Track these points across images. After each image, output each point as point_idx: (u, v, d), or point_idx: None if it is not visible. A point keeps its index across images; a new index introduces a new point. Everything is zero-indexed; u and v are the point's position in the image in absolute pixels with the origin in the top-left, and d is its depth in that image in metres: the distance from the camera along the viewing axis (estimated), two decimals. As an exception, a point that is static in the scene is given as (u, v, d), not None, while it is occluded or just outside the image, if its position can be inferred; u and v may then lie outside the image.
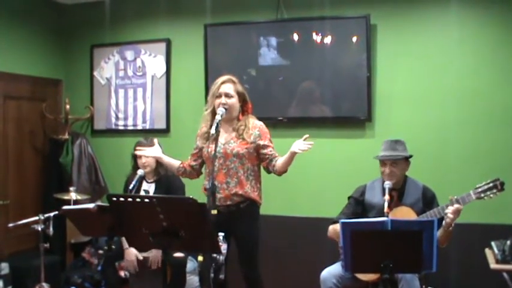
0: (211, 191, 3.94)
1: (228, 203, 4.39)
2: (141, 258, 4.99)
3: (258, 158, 4.50)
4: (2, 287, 5.86)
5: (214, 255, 3.63)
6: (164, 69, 6.68)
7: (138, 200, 3.46)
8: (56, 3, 7.06)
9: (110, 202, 3.51)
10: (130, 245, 4.53)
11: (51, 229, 5.16)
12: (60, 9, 7.13)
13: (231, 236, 4.30)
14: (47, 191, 6.67)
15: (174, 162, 4.60)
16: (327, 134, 6.04)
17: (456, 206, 4.04)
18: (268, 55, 6.14)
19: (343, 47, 5.93)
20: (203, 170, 4.69)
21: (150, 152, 4.68)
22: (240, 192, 4.38)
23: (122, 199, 3.49)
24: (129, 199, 3.50)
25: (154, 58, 6.73)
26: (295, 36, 6.04)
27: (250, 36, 6.22)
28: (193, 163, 4.65)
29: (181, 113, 6.51)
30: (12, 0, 6.44)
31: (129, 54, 6.88)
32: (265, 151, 4.44)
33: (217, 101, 4.40)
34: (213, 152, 4.17)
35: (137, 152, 4.83)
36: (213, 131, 4.12)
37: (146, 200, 3.41)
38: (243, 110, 4.54)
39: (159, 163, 5.10)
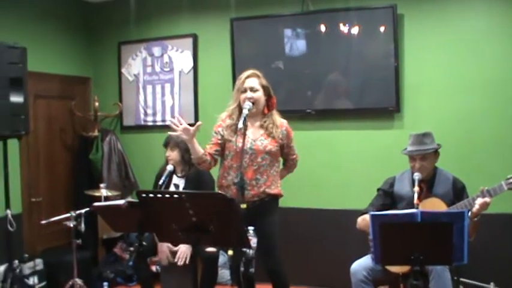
0: (241, 185, 3.94)
1: (255, 198, 4.39)
2: (174, 249, 5.01)
3: (280, 154, 4.57)
4: (36, 282, 5.93)
5: (244, 249, 3.63)
6: (191, 64, 6.70)
7: (167, 196, 3.47)
8: (83, 2, 7.12)
9: (140, 198, 3.53)
10: (160, 241, 4.55)
11: (82, 225, 5.19)
12: (87, 8, 7.20)
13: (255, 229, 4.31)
14: (78, 187, 6.74)
15: (199, 150, 4.54)
16: (355, 125, 6.03)
17: (485, 199, 3.99)
18: (295, 47, 6.13)
19: (370, 38, 5.89)
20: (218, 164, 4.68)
21: (183, 128, 4.37)
22: (268, 190, 4.41)
23: (151, 195, 3.51)
24: (159, 195, 3.51)
25: (181, 53, 6.75)
26: (322, 28, 6.02)
27: (276, 29, 6.21)
28: (214, 152, 4.53)
29: (209, 108, 6.52)
30: (41, 1, 6.50)
31: (157, 50, 6.91)
32: (287, 153, 4.57)
33: (243, 95, 4.40)
34: (244, 147, 4.16)
35: (170, 124, 4.64)
36: (240, 124, 4.09)
37: (175, 195, 3.43)
38: (268, 105, 4.54)
39: (184, 159, 5.13)
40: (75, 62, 7.08)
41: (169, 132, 4.50)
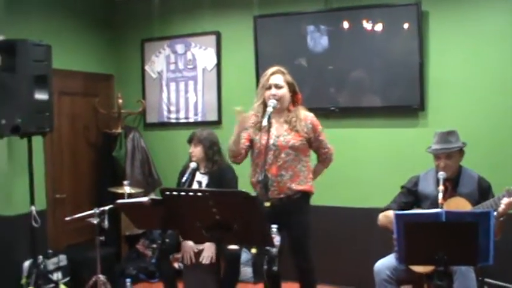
0: (264, 183, 3.94)
1: (281, 196, 4.37)
2: (196, 250, 5.00)
3: (309, 149, 4.49)
4: (60, 278, 5.96)
5: (267, 247, 3.62)
6: (215, 61, 6.70)
7: (190, 194, 3.47)
8: (106, 0, 7.15)
9: (163, 196, 3.53)
10: (184, 238, 4.55)
11: (106, 222, 5.21)
12: (111, 6, 7.23)
13: (283, 228, 4.27)
14: (101, 184, 6.76)
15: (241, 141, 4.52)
16: (379, 123, 5.99)
17: (511, 198, 3.94)
18: (318, 45, 6.11)
19: (393, 35, 5.85)
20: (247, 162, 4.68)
21: (245, 119, 4.39)
22: (294, 185, 4.37)
23: (175, 193, 3.51)
24: (182, 193, 3.51)
25: (204, 51, 6.76)
26: (345, 25, 5.99)
27: (299, 26, 6.18)
28: (247, 147, 4.56)
29: (232, 105, 6.45)
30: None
31: (180, 48, 6.92)
32: (317, 146, 4.51)
33: (268, 92, 4.39)
34: (267, 144, 4.17)
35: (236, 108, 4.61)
36: (264, 122, 4.09)
37: (199, 193, 3.43)
38: (293, 101, 4.51)
39: (207, 156, 5.13)
40: (99, 60, 7.10)
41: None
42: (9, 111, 5.10)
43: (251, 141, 4.54)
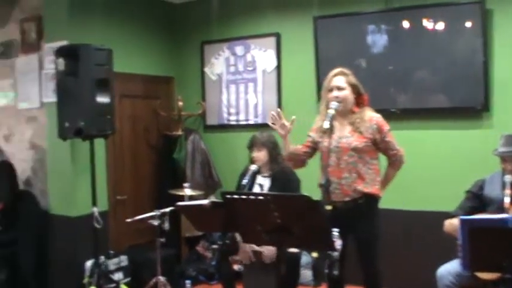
0: (326, 187, 3.90)
1: (346, 199, 4.27)
2: (256, 249, 4.99)
3: (377, 151, 4.41)
4: (121, 278, 6.03)
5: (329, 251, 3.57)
6: (275, 63, 6.67)
7: (252, 197, 3.45)
8: (166, 3, 7.21)
9: (224, 199, 3.53)
10: (244, 241, 4.53)
11: (166, 224, 5.25)
12: (170, 9, 7.27)
13: (349, 232, 4.21)
14: (162, 186, 6.81)
15: (289, 146, 4.49)
16: (441, 125, 5.85)
17: None
18: (378, 45, 6.01)
19: (456, 33, 5.68)
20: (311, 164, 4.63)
21: (279, 125, 4.43)
22: (359, 187, 4.26)
23: (235, 196, 3.50)
24: (243, 196, 3.50)
25: (264, 52, 6.73)
26: (405, 24, 5.87)
27: (359, 26, 6.10)
28: (303, 153, 4.55)
29: (292, 107, 6.45)
30: (124, 2, 6.62)
31: (239, 50, 6.92)
32: (385, 148, 4.38)
33: (330, 95, 4.33)
34: (330, 146, 4.13)
35: (270, 115, 4.62)
36: (325, 125, 4.05)
37: (260, 197, 3.41)
38: (358, 103, 4.43)
39: (271, 158, 5.10)
40: (159, 62, 7.16)
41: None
42: (72, 114, 5.20)
43: (313, 147, 4.50)
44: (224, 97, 7.04)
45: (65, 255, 6.00)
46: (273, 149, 5.10)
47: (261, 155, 5.09)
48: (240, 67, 6.92)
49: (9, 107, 6.73)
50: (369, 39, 6.05)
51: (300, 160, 4.58)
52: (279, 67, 6.68)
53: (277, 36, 6.67)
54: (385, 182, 4.51)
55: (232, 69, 6.98)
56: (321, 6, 6.34)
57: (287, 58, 6.65)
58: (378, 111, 4.54)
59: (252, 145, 5.16)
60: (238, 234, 4.48)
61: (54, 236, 6.16)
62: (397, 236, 5.94)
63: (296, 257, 5.04)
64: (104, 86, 5.26)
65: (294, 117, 4.37)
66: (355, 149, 4.27)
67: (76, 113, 5.17)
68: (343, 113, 4.35)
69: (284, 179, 5.05)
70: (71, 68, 5.23)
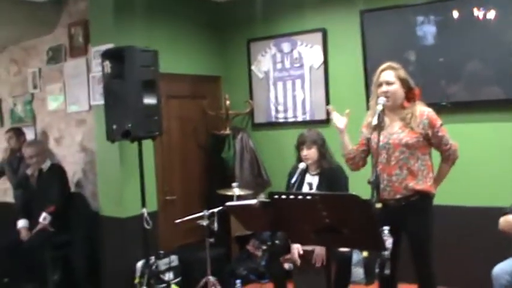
0: (376, 184, 3.81)
1: (398, 196, 4.18)
2: (301, 252, 4.95)
3: (430, 147, 4.29)
4: (172, 278, 6.07)
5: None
6: (321, 59, 6.58)
7: (299, 197, 3.41)
8: (211, 2, 7.19)
9: (272, 200, 3.49)
10: (293, 241, 4.49)
11: (216, 225, 5.24)
12: (215, 8, 7.26)
13: (401, 230, 4.14)
14: (211, 186, 6.81)
15: (348, 143, 4.45)
16: (496, 117, 5.67)
17: None
18: (428, 36, 5.86)
19: (508, 22, 5.51)
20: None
21: (337, 120, 4.41)
22: (411, 184, 4.15)
23: (283, 197, 3.46)
24: (291, 197, 3.45)
25: (311, 49, 6.66)
26: (455, 14, 5.71)
27: (407, 18, 5.95)
28: (361, 153, 4.46)
29: (341, 103, 6.31)
30: (168, 3, 6.62)
31: (286, 46, 6.86)
32: (437, 143, 4.25)
33: (379, 90, 4.24)
34: (380, 143, 4.06)
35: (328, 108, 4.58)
36: (374, 121, 3.98)
37: (308, 197, 3.36)
38: (408, 97, 4.32)
39: (321, 155, 5.05)
40: (205, 62, 7.16)
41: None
42: (119, 116, 5.22)
43: (368, 145, 4.40)
44: (272, 95, 6.99)
45: (115, 256, 6.06)
46: (322, 146, 5.08)
47: (311, 152, 5.04)
48: (287, 64, 6.85)
49: (60, 110, 6.83)
50: (418, 31, 5.91)
51: (360, 159, 4.48)
52: (326, 63, 6.59)
53: (324, 31, 6.59)
54: (438, 178, 4.38)
55: (279, 66, 6.93)
56: (367, 0, 6.23)
57: (334, 53, 6.56)
58: (428, 105, 4.41)
59: (301, 143, 5.11)
60: (287, 234, 4.43)
61: (105, 237, 6.23)
62: (451, 233, 5.80)
63: (347, 256, 4.98)
64: (151, 88, 5.28)
65: (348, 110, 4.30)
66: (406, 145, 4.17)
67: (123, 115, 5.19)
68: (393, 108, 4.25)
69: (332, 176, 5.02)
70: (117, 70, 5.26)
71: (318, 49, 6.61)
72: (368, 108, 4.54)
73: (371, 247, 3.52)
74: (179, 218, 5.40)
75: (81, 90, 6.46)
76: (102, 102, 5.65)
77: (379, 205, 3.71)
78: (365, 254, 3.87)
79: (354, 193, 3.25)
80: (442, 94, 5.82)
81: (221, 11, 7.29)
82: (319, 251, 4.85)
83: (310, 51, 6.67)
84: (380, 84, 4.25)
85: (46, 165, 6.38)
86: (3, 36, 7.15)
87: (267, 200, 3.83)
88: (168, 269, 6.11)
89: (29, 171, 6.44)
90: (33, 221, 6.19)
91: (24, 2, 6.44)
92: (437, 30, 5.82)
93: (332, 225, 3.32)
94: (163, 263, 6.03)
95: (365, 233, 3.31)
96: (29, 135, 7.26)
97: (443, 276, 4.93)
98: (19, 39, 7.39)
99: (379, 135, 4.04)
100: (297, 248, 4.95)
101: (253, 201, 4.29)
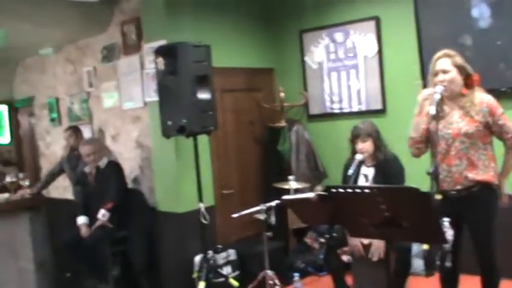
0: (435, 175, 3.73)
1: (458, 187, 4.08)
2: (365, 242, 4.90)
3: (491, 136, 4.16)
4: (230, 272, 6.10)
5: (440, 243, 3.44)
6: (376, 48, 6.46)
7: (357, 190, 3.36)
8: (261, -6, 7.17)
9: (329, 194, 3.45)
10: (351, 235, 4.44)
11: (273, 218, 5.22)
12: (266, -1, 7.24)
13: (462, 222, 4.06)
14: (267, 179, 6.79)
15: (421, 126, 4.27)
16: None
17: None
18: (484, 19, 5.67)
19: None
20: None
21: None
22: (471, 175, 4.05)
23: (340, 190, 3.42)
24: (349, 190, 3.41)
25: (364, 38, 6.55)
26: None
27: (462, 1, 5.81)
28: (424, 139, 4.28)
29: (396, 92, 6.27)
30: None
31: (339, 36, 6.77)
32: (499, 132, 4.10)
33: (436, 79, 4.14)
34: (439, 133, 3.98)
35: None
36: (432, 111, 3.89)
37: (366, 190, 3.31)
38: (467, 84, 4.19)
39: (377, 147, 4.98)
40: (258, 54, 7.14)
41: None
42: (174, 112, 5.26)
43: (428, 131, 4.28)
44: (326, 85, 6.91)
45: (174, 251, 6.11)
46: (378, 139, 5.01)
47: (366, 145, 4.97)
48: (341, 54, 6.76)
49: (115, 107, 6.91)
50: (474, 13, 5.72)
51: (425, 145, 4.30)
52: (380, 52, 6.46)
53: (377, 19, 6.46)
54: (505, 169, 4.23)
55: (332, 56, 6.84)
56: (422, -14, 6.09)
57: (388, 42, 6.42)
58: (488, 91, 4.28)
59: (355, 137, 5.04)
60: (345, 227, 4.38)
61: (163, 233, 6.29)
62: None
63: (407, 247, 4.92)
64: (204, 82, 5.30)
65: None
66: (466, 135, 4.06)
67: (178, 111, 5.23)
68: (452, 96, 4.14)
69: (389, 168, 4.95)
70: (171, 66, 5.30)
71: (372, 38, 6.49)
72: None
73: (431, 240, 3.44)
74: (236, 212, 5.39)
75: (136, 87, 6.51)
76: (156, 98, 5.68)
77: (438, 196, 3.64)
78: (425, 246, 3.78)
79: (413, 185, 3.18)
80: (501, 79, 5.63)
81: (272, 2, 7.25)
82: (377, 244, 4.80)
83: (363, 40, 6.56)
84: (436, 73, 4.14)
85: (103, 162, 6.45)
86: (58, 36, 7.28)
87: (325, 193, 3.78)
88: (226, 263, 6.14)
89: (86, 169, 6.53)
90: (92, 218, 6.27)
91: (77, 2, 6.51)
92: (492, 12, 5.64)
93: (391, 218, 3.29)
94: (221, 257, 6.06)
95: (425, 225, 3.26)
96: (86, 133, 7.37)
97: (508, 268, 4.81)
98: (74, 39, 7.51)
99: (437, 124, 3.95)
100: (358, 240, 4.90)
101: (310, 195, 4.27)
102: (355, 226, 3.62)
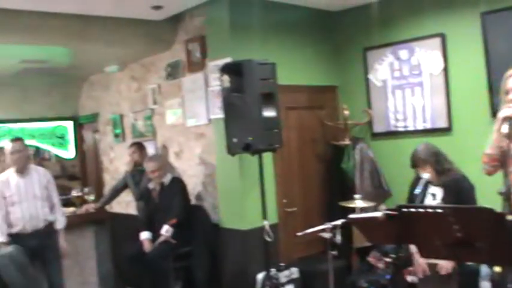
0: (507, 195, 3.64)
1: None
2: (430, 261, 4.81)
3: None
4: (292, 291, 6.07)
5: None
6: (441, 65, 6.37)
7: (430, 210, 3.30)
8: (324, 12, 7.15)
9: (401, 213, 3.40)
10: (422, 255, 4.35)
11: (338, 237, 5.17)
12: (329, 17, 7.22)
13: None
14: (331, 197, 6.77)
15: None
16: None
17: None
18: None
19: None
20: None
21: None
22: None
23: (412, 210, 3.37)
24: (420, 210, 3.35)
25: (429, 55, 6.46)
26: None
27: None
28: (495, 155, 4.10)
29: (462, 110, 6.15)
30: (283, 15, 6.63)
31: (403, 54, 6.70)
32: None
33: (507, 97, 4.02)
34: (511, 152, 3.86)
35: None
36: (504, 129, 3.79)
37: (439, 210, 3.25)
38: None
39: (437, 172, 4.90)
40: (322, 72, 7.12)
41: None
42: (240, 129, 5.27)
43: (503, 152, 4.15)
44: (390, 103, 6.84)
45: (236, 268, 6.12)
46: (436, 162, 4.93)
47: (427, 172, 4.90)
48: (405, 71, 6.69)
49: (179, 124, 6.97)
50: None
51: (500, 163, 4.08)
52: (446, 69, 6.37)
53: (443, 36, 6.37)
54: None
55: (397, 74, 6.77)
56: (488, 1, 5.98)
57: (454, 59, 6.32)
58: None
59: (414, 166, 5.04)
60: (415, 247, 4.31)
61: (225, 249, 6.30)
62: None
63: (475, 268, 4.82)
64: (270, 100, 5.30)
65: None
66: None
67: (243, 128, 5.24)
68: None
69: (457, 187, 4.87)
70: (236, 84, 5.32)
71: (438, 55, 6.40)
72: (493, 115, 4.31)
73: (506, 262, 3.35)
74: (299, 230, 5.36)
75: (200, 104, 6.57)
76: (221, 115, 5.71)
77: (510, 217, 3.54)
78: (497, 269, 3.68)
79: (488, 206, 3.10)
80: None
81: (336, 20, 7.24)
82: (444, 264, 4.73)
83: (429, 57, 6.47)
84: (508, 92, 4.02)
85: (167, 179, 6.52)
86: (124, 54, 7.41)
87: (392, 213, 3.73)
88: (289, 282, 6.12)
89: (151, 185, 6.61)
90: (155, 233, 6.34)
91: (143, 21, 6.65)
92: None
93: (464, 239, 3.20)
94: (283, 275, 6.03)
95: (500, 247, 3.16)
96: (150, 149, 7.46)
97: None
98: (139, 57, 7.63)
99: (509, 143, 3.85)
100: (424, 259, 4.82)
101: (377, 214, 4.20)
102: (427, 246, 3.55)
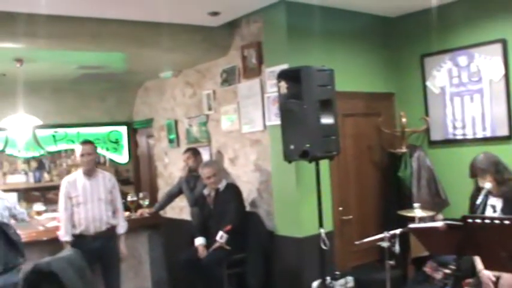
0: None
1: None
2: (493, 279, 4.69)
3: None
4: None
5: None
6: (502, 71, 6.22)
7: (496, 221, 3.22)
8: (382, 18, 7.08)
9: (465, 223, 3.33)
10: (486, 267, 4.27)
11: (397, 247, 5.10)
12: (387, 23, 7.15)
13: None
14: (387, 205, 6.71)
15: None
16: None
17: None
18: None
19: None
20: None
21: None
22: None
23: (478, 221, 3.29)
24: (486, 221, 3.27)
25: (490, 61, 6.33)
26: None
27: None
28: None
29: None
30: (341, 21, 6.59)
31: (462, 60, 6.58)
32: None
33: None
34: None
35: None
36: None
37: (506, 221, 3.17)
38: None
39: (497, 181, 4.82)
40: (379, 79, 7.05)
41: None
42: (297, 136, 5.23)
43: None
44: (448, 111, 6.71)
45: (291, 276, 6.10)
46: (497, 172, 4.85)
47: (487, 182, 4.81)
48: (464, 78, 6.56)
49: (234, 130, 6.98)
50: None
51: None
52: (507, 75, 6.22)
53: (503, 42, 6.23)
54: None
55: (455, 81, 6.65)
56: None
57: (516, 65, 6.19)
58: None
59: (473, 176, 4.95)
60: (479, 259, 4.22)
61: (280, 257, 6.28)
62: None
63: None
64: (328, 107, 5.25)
65: None
66: None
67: (301, 135, 5.19)
68: None
69: None
70: (294, 90, 5.28)
71: (498, 61, 6.26)
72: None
73: None
74: (355, 238, 5.34)
75: (255, 110, 6.56)
76: (277, 122, 5.69)
77: None
78: None
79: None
80: None
81: (393, 26, 7.17)
82: (508, 278, 4.59)
83: (489, 63, 6.34)
84: None
85: (222, 185, 6.53)
86: (180, 60, 7.47)
87: (454, 223, 3.66)
88: (344, 290, 6.06)
89: (206, 191, 6.63)
90: (210, 239, 6.34)
91: (199, 27, 6.68)
92: None
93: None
94: (339, 284, 5.98)
95: None
96: (205, 155, 7.47)
97: None
98: (194, 63, 7.68)
99: None
100: (487, 275, 4.70)
101: (438, 224, 4.13)
102: (492, 258, 3.48)
